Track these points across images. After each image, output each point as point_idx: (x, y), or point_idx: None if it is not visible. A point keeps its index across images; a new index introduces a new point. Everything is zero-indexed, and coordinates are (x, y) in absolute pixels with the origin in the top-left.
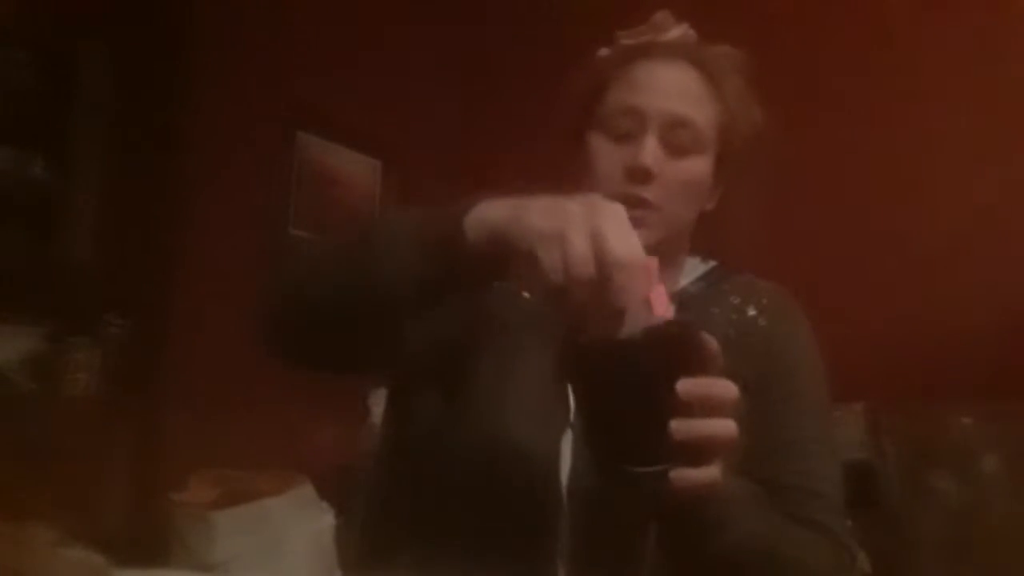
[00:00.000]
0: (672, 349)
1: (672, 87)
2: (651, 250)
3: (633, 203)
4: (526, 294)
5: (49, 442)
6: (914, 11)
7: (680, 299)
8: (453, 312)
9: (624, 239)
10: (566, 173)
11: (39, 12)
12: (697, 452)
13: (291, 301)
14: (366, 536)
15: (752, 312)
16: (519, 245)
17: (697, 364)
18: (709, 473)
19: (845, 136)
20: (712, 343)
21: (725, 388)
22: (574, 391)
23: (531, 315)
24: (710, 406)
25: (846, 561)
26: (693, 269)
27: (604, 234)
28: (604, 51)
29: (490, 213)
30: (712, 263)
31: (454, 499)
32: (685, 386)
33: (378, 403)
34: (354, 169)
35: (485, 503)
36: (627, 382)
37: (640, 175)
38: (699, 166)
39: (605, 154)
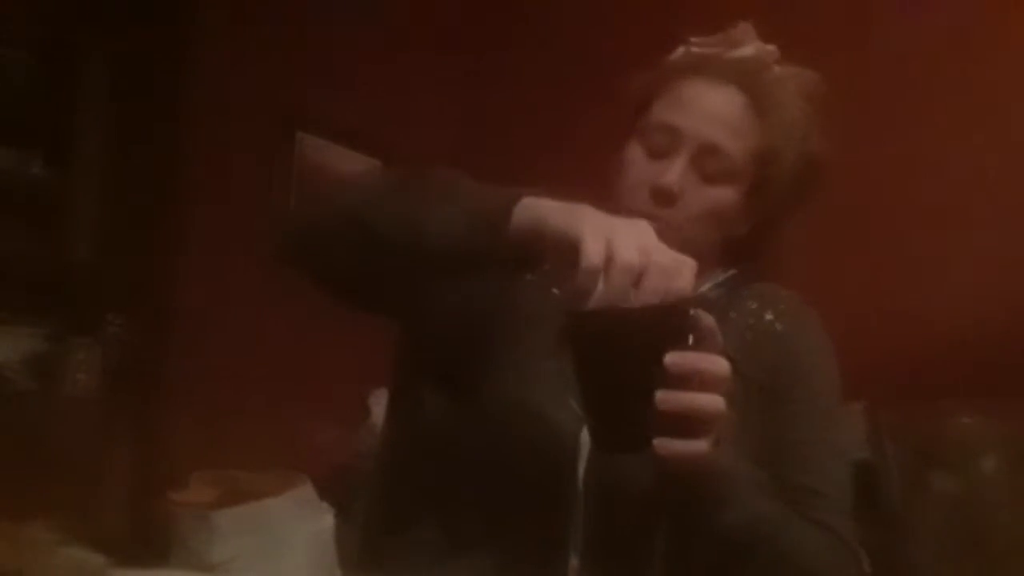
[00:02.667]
0: (667, 323)
1: (714, 112)
2: None
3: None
4: (555, 290)
5: (49, 442)
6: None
7: (699, 304)
8: (478, 302)
9: (666, 248)
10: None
11: (39, 12)
12: (681, 424)
13: (335, 218)
14: (366, 536)
15: (769, 317)
16: (567, 235)
17: (691, 339)
18: (694, 446)
19: (844, 136)
20: (708, 319)
21: (714, 363)
22: (572, 357)
23: (557, 311)
24: (699, 380)
25: (851, 564)
26: (713, 276)
27: (648, 239)
28: (676, 53)
29: (542, 205)
30: (732, 271)
31: (465, 493)
32: (673, 358)
33: (378, 403)
34: (354, 169)
35: (500, 496)
36: (622, 352)
37: (663, 196)
38: (726, 195)
39: (636, 166)
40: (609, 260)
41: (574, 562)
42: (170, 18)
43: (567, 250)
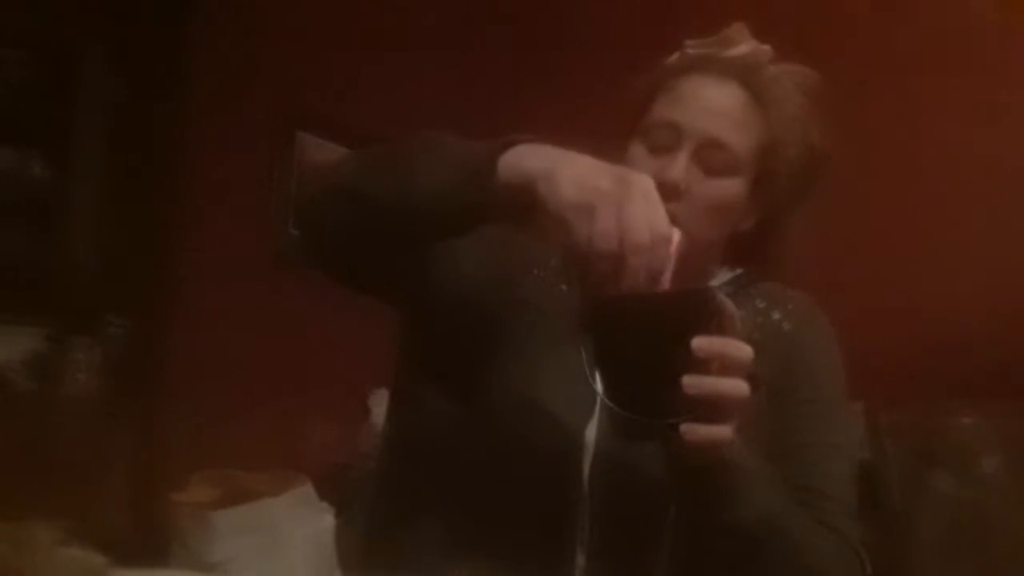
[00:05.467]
0: (690, 308)
1: (715, 107)
2: None
3: None
4: (563, 286)
5: (49, 442)
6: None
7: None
8: (483, 295)
9: (647, 218)
10: None
11: (39, 12)
12: (708, 408)
13: (329, 194)
14: (367, 536)
15: (777, 316)
16: (548, 207)
17: (714, 324)
18: (720, 431)
19: (840, 138)
20: (730, 306)
21: (739, 348)
22: (593, 342)
23: (566, 306)
24: (724, 365)
25: (856, 566)
26: (720, 275)
27: (629, 214)
28: (673, 57)
29: (526, 161)
30: (738, 270)
31: (468, 492)
32: (700, 343)
33: (378, 403)
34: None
35: (504, 495)
36: (645, 336)
37: (667, 191)
38: (730, 188)
39: (639, 164)
40: (591, 238)
41: (580, 560)
42: (170, 18)
43: (553, 222)
